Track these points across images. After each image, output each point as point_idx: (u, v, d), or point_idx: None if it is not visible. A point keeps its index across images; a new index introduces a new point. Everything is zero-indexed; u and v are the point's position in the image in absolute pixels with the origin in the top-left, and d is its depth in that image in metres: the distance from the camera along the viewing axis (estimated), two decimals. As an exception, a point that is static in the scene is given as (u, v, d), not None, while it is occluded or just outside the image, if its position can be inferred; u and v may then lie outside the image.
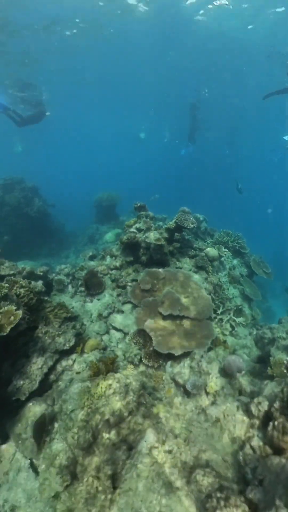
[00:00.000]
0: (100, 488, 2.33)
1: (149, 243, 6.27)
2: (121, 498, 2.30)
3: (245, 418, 2.50)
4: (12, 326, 3.44)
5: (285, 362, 3.29)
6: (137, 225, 6.90)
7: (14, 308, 3.74)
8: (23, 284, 4.72)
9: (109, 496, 2.29)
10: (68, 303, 6.26)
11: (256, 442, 2.14)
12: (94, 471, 2.46)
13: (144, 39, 15.60)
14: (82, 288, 6.63)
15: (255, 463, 1.94)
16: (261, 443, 2.11)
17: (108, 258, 7.39)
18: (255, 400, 2.53)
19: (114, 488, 2.37)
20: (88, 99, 24.40)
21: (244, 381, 3.67)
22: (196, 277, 6.15)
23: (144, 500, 2.30)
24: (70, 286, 6.92)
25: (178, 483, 2.28)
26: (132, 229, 6.88)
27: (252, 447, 2.09)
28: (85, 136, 46.53)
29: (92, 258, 8.00)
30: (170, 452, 2.43)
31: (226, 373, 3.85)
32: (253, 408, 2.45)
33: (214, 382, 3.54)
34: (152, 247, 6.25)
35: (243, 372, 3.72)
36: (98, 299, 6.30)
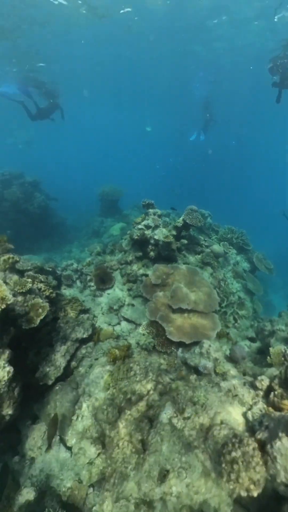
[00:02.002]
0: (133, 450, 2.95)
1: (157, 240, 6.84)
2: (150, 457, 2.94)
3: (251, 390, 3.14)
4: (41, 317, 4.01)
5: (283, 351, 3.92)
6: (145, 222, 7.43)
7: (41, 300, 4.31)
8: (42, 279, 5.27)
9: (141, 456, 2.93)
10: (79, 297, 6.85)
11: (261, 405, 2.78)
12: (127, 437, 3.09)
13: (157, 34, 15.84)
14: (91, 283, 7.21)
15: (261, 418, 2.57)
16: (265, 406, 2.75)
17: (117, 253, 7.95)
18: (259, 378, 3.18)
19: (144, 450, 3.00)
20: (94, 91, 24.66)
21: (247, 366, 4.32)
22: (202, 272, 6.76)
23: (168, 458, 2.94)
24: (78, 282, 7.48)
25: (196, 443, 2.92)
26: (141, 226, 7.41)
27: (258, 408, 2.73)
28: (89, 129, 46.68)
29: (100, 253, 8.53)
30: (188, 418, 3.07)
31: (232, 359, 4.51)
32: (257, 383, 3.09)
33: (222, 365, 4.19)
34: (160, 243, 6.82)
35: (246, 359, 4.38)
36: (108, 293, 6.88)
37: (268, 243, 16.27)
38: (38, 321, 3.85)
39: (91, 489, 3.62)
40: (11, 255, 4.96)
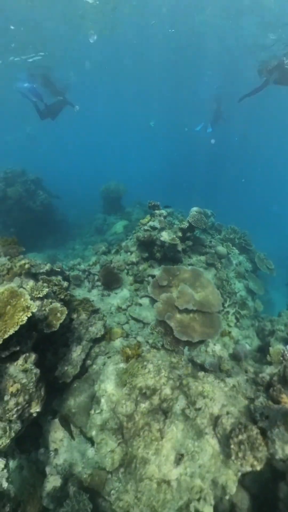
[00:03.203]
0: (153, 438, 3.51)
1: (164, 241, 7.31)
2: (167, 444, 3.49)
3: (253, 386, 3.69)
4: (61, 321, 4.49)
5: (282, 351, 4.46)
6: (152, 223, 7.88)
7: (59, 305, 4.79)
8: (56, 283, 5.74)
9: (159, 443, 3.49)
10: (88, 297, 7.35)
11: (262, 399, 3.33)
12: (147, 427, 3.65)
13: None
14: (99, 283, 7.70)
15: (262, 409, 3.12)
16: (265, 400, 3.30)
17: (122, 253, 8.42)
18: (260, 375, 3.73)
19: (162, 438, 3.56)
20: (97, 87, 25.00)
21: (248, 364, 4.89)
22: (206, 273, 7.28)
23: (182, 444, 3.50)
24: (86, 281, 7.97)
25: (206, 429, 3.48)
26: (147, 227, 7.87)
27: (260, 402, 3.27)
28: (92, 125, 46.98)
29: (105, 253, 8.99)
30: (199, 409, 3.63)
31: (235, 357, 5.07)
32: (259, 380, 3.64)
33: (226, 363, 4.74)
34: (166, 245, 7.30)
35: (248, 357, 4.94)
36: (116, 293, 7.38)
37: (270, 240, 16.89)
38: (58, 325, 4.34)
39: (109, 475, 4.20)
40: (27, 260, 5.41)
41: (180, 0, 13.62)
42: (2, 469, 3.26)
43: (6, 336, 3.19)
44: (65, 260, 11.44)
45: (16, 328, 3.25)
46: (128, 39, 17.41)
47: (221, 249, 7.85)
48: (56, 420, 4.92)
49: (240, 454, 2.80)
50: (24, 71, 15.64)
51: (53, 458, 4.56)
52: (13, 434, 3.59)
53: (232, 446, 2.88)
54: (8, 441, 3.57)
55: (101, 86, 25.73)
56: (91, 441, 4.56)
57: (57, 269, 7.56)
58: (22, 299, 3.63)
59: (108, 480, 4.13)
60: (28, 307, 3.50)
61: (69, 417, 4.79)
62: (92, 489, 4.20)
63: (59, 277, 7.37)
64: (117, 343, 5.84)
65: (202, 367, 4.88)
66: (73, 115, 12.80)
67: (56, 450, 4.65)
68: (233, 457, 2.89)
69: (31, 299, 4.08)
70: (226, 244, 8.47)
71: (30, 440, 5.02)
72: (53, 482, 4.35)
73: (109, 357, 5.56)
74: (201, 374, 4.27)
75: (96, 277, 7.78)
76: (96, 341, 5.75)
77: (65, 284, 6.71)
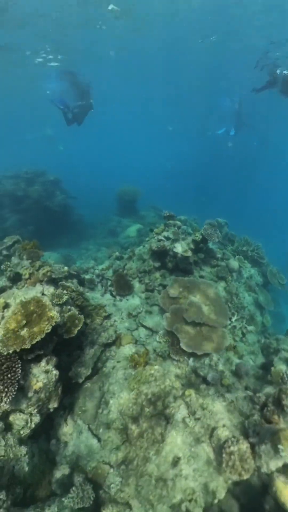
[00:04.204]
0: (155, 440, 4.08)
1: (176, 253, 7.80)
2: (166, 446, 4.05)
3: (250, 404, 4.18)
4: (78, 328, 5.10)
5: (282, 374, 4.90)
6: (165, 233, 8.38)
7: (77, 313, 5.40)
8: (74, 289, 6.36)
9: (160, 445, 4.06)
10: (100, 301, 7.96)
11: (256, 416, 3.81)
12: (150, 430, 4.22)
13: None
14: (112, 288, 8.29)
15: (254, 426, 3.61)
16: (259, 418, 3.78)
17: (136, 260, 8.95)
18: (257, 394, 4.21)
19: (162, 441, 4.13)
20: (118, 90, 25.77)
21: (249, 381, 5.36)
22: (216, 287, 7.73)
23: (180, 448, 4.05)
24: (100, 285, 8.57)
25: (203, 438, 4.02)
26: (161, 237, 8.37)
27: (254, 419, 3.76)
28: (111, 128, 48.14)
29: (118, 258, 9.56)
30: (198, 419, 4.16)
31: (237, 373, 5.55)
32: (255, 399, 4.13)
33: (228, 378, 5.24)
34: (179, 257, 7.78)
35: (250, 375, 5.41)
36: (127, 299, 7.95)
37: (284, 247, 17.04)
38: (76, 331, 4.94)
39: (111, 470, 4.81)
40: (49, 268, 6.03)
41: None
42: (24, 455, 3.90)
43: (33, 342, 3.81)
44: (78, 259, 12.11)
45: (42, 335, 3.86)
46: (151, 43, 17.87)
47: (233, 262, 8.26)
48: (67, 416, 5.57)
49: (230, 463, 3.32)
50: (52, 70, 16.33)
51: (62, 449, 5.20)
52: (33, 426, 4.25)
53: (224, 456, 3.40)
54: (29, 431, 4.24)
55: (122, 89, 26.46)
56: (97, 437, 5.17)
57: (73, 272, 8.20)
58: (47, 309, 4.24)
59: (109, 475, 4.74)
60: (52, 317, 4.10)
61: (79, 414, 5.43)
62: (95, 481, 4.83)
63: (75, 280, 8.05)
64: (126, 349, 6.42)
65: (204, 380, 5.39)
66: (93, 118, 13.33)
67: (66, 443, 5.29)
68: (224, 465, 3.41)
69: (52, 306, 4.71)
70: (238, 257, 8.87)
71: (42, 430, 5.72)
72: (62, 470, 4.99)
73: (118, 362, 6.14)
74: (202, 386, 4.79)
75: (109, 282, 8.37)
76: (107, 345, 6.35)
77: (81, 289, 7.34)
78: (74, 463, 5.07)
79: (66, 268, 8.06)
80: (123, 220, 13.85)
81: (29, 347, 3.80)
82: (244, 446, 3.36)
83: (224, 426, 3.88)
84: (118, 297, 8.02)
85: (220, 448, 3.68)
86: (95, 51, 18.02)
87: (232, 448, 3.40)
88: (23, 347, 3.80)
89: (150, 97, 30.09)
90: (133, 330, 7.18)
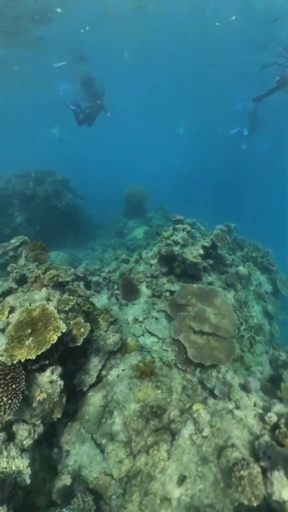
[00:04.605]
0: (161, 458, 3.97)
1: (186, 258, 7.66)
2: (172, 465, 3.94)
3: (260, 423, 4.04)
4: (84, 337, 5.01)
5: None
6: (174, 238, 8.24)
7: (82, 321, 5.31)
8: (81, 294, 6.27)
9: (166, 463, 3.95)
10: (106, 305, 7.88)
11: (267, 438, 3.68)
12: (156, 446, 4.12)
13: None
14: (118, 292, 8.19)
15: (265, 448, 3.48)
16: (270, 439, 3.65)
17: (143, 264, 8.85)
18: (268, 414, 4.07)
19: (168, 458, 4.02)
20: (128, 90, 25.82)
21: (258, 397, 5.21)
22: (225, 294, 7.58)
23: (187, 467, 3.94)
24: (106, 288, 8.49)
25: (211, 458, 3.89)
26: (169, 241, 8.23)
27: (264, 440, 3.63)
28: (122, 130, 48.63)
29: (125, 261, 9.47)
30: (206, 437, 4.05)
31: (245, 388, 5.40)
32: (266, 419, 3.99)
33: (236, 392, 5.09)
34: (188, 262, 7.64)
35: (258, 391, 5.26)
36: (134, 304, 7.85)
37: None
38: (81, 340, 4.84)
39: (113, 481, 4.73)
40: (55, 272, 5.94)
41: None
42: (27, 467, 3.83)
43: (38, 353, 3.72)
44: (84, 259, 12.05)
45: (48, 346, 3.77)
46: (161, 44, 17.78)
47: (243, 269, 8.10)
48: (70, 424, 5.50)
49: (240, 488, 3.20)
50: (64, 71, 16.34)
51: (65, 458, 5.13)
52: (36, 436, 4.17)
53: (233, 479, 3.28)
54: (32, 441, 4.16)
55: (132, 89, 26.50)
56: (100, 447, 5.09)
57: (80, 275, 8.13)
58: (53, 318, 4.15)
59: (111, 486, 4.66)
60: (58, 327, 4.01)
61: (82, 422, 5.35)
62: (96, 491, 4.75)
63: (82, 283, 7.98)
64: (132, 356, 6.32)
65: (211, 392, 5.26)
66: (103, 119, 13.26)
67: (68, 451, 5.21)
68: (233, 489, 3.29)
69: (58, 314, 4.63)
70: (248, 264, 8.69)
71: (44, 437, 5.66)
72: (63, 480, 4.92)
73: (123, 370, 6.05)
74: (210, 401, 4.66)
75: (116, 286, 8.28)
76: (112, 353, 6.26)
77: (88, 293, 7.26)
78: (76, 473, 5.00)
79: (72, 270, 8.00)
80: (130, 222, 13.77)
81: (34, 358, 3.71)
82: (255, 470, 3.24)
83: (233, 446, 3.75)
84: (124, 301, 7.93)
85: (228, 470, 3.56)
86: (108, 52, 18.01)
87: (242, 472, 3.28)
88: (28, 358, 3.71)
89: (161, 97, 30.07)
90: (139, 337, 7.08)
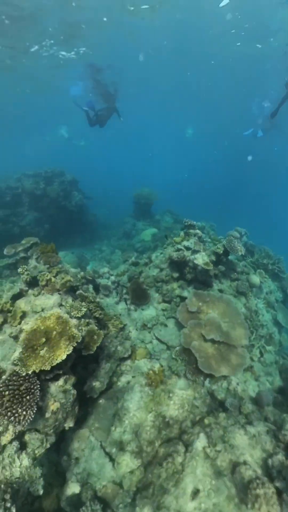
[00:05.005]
0: (175, 470, 3.98)
1: (197, 264, 7.62)
2: (186, 478, 3.94)
3: (273, 440, 4.03)
4: (97, 344, 5.01)
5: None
6: (185, 243, 8.20)
7: (96, 328, 5.31)
8: (92, 300, 6.27)
9: (180, 476, 3.96)
10: (115, 309, 7.87)
11: (281, 456, 3.66)
12: (170, 459, 4.12)
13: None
14: (127, 296, 8.18)
15: (280, 468, 3.47)
16: (284, 458, 3.64)
17: (152, 268, 8.82)
18: (282, 432, 4.07)
19: (182, 471, 4.03)
20: (140, 94, 25.87)
21: (269, 412, 5.19)
22: (236, 302, 7.54)
23: (200, 480, 3.93)
24: (115, 292, 8.48)
25: (225, 472, 3.88)
26: (180, 246, 8.19)
27: (278, 459, 3.62)
28: (132, 131, 49.03)
29: (134, 264, 9.44)
30: (219, 451, 4.04)
31: (257, 402, 5.38)
32: (280, 436, 3.98)
33: (247, 406, 5.08)
34: (199, 269, 7.61)
35: (270, 405, 5.24)
36: (143, 309, 7.83)
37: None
38: (95, 348, 4.84)
39: (121, 490, 4.75)
40: (68, 278, 5.93)
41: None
42: (39, 477, 3.85)
43: (54, 364, 3.73)
44: (91, 260, 12.06)
45: (63, 357, 3.78)
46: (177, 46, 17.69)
47: (254, 277, 8.05)
48: (80, 430, 5.52)
49: (256, 505, 3.19)
50: (77, 73, 16.33)
51: (73, 465, 5.16)
52: (48, 445, 4.19)
53: (249, 496, 3.27)
54: (43, 450, 4.18)
55: (144, 93, 26.52)
56: (109, 456, 5.11)
57: (89, 278, 8.12)
58: (68, 327, 4.15)
59: (119, 495, 4.68)
60: (73, 337, 4.01)
61: (92, 430, 5.37)
62: (103, 500, 4.78)
63: (91, 286, 7.98)
64: (141, 363, 6.32)
65: (221, 405, 5.25)
66: (114, 121, 13.22)
67: (77, 459, 5.23)
68: (249, 506, 3.29)
69: (73, 322, 4.64)
70: (259, 271, 8.64)
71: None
72: (72, 488, 4.95)
73: (133, 377, 6.05)
74: (222, 415, 4.65)
75: (125, 290, 8.27)
76: (122, 359, 6.27)
77: (98, 298, 7.26)
78: (85, 480, 5.03)
79: (82, 273, 8.00)
80: (138, 223, 13.77)
81: (49, 369, 3.72)
82: (271, 490, 3.23)
83: (245, 463, 3.75)
84: (133, 306, 7.92)
85: (243, 487, 3.55)
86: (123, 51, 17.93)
87: (258, 490, 3.27)
88: (42, 368, 3.72)
89: (173, 100, 30.07)
90: (148, 343, 7.07)
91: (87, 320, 5.45)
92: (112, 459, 4.99)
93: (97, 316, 5.99)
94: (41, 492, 3.88)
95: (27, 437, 4.05)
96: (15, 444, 3.90)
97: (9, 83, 21.07)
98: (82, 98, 12.80)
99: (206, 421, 4.56)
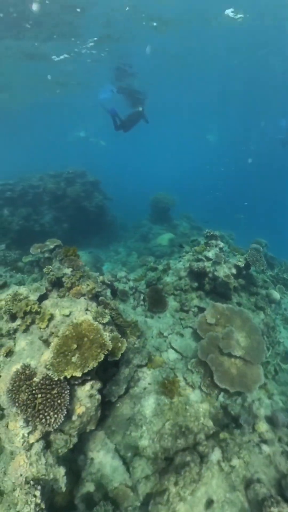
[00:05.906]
0: (192, 480, 4.27)
1: (217, 276, 7.85)
2: (201, 487, 4.24)
3: (287, 461, 4.29)
4: (122, 351, 5.33)
5: None
6: (206, 253, 8.43)
7: (119, 335, 5.62)
8: (113, 307, 6.59)
9: (197, 485, 4.25)
10: (132, 315, 8.17)
11: (297, 478, 3.93)
12: (187, 468, 4.41)
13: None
14: (144, 302, 8.48)
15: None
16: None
17: (171, 275, 9.05)
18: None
19: (199, 480, 4.32)
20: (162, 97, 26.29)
21: (283, 431, 5.42)
22: (254, 316, 7.75)
23: (215, 492, 4.21)
24: (132, 298, 8.78)
25: (239, 487, 4.16)
26: (201, 256, 8.43)
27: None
28: (154, 135, 49.92)
29: (153, 269, 9.71)
30: (234, 467, 4.31)
31: (271, 421, 5.59)
32: (295, 456, 4.24)
33: (261, 425, 5.30)
34: (219, 280, 7.84)
35: (286, 426, 5.47)
36: (160, 317, 8.11)
37: None
38: (119, 355, 5.15)
39: (131, 493, 5.07)
40: (93, 285, 6.25)
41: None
42: (63, 476, 4.19)
43: (85, 370, 4.04)
44: (106, 261, 12.39)
45: (95, 364, 4.09)
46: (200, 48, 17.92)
47: (274, 293, 8.22)
48: (96, 432, 5.87)
49: (270, 523, 3.46)
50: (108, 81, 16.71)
51: (88, 465, 5.50)
52: (71, 446, 4.53)
53: (264, 513, 3.54)
54: (66, 450, 4.53)
55: (166, 96, 26.85)
56: (123, 459, 5.43)
57: (107, 282, 8.44)
58: (99, 335, 4.46)
59: (129, 497, 5.00)
60: (105, 345, 4.32)
61: (108, 433, 5.70)
62: (114, 501, 5.11)
63: (108, 290, 8.29)
64: (157, 372, 6.61)
65: (235, 420, 5.49)
66: (140, 125, 13.50)
67: (92, 459, 5.58)
68: (263, 523, 3.56)
69: (104, 331, 4.97)
70: (279, 286, 8.80)
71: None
72: (87, 487, 5.28)
73: (149, 384, 6.36)
74: (236, 431, 4.90)
75: (142, 296, 8.56)
76: (138, 366, 6.58)
77: (118, 304, 7.57)
78: (98, 480, 5.37)
79: (101, 277, 8.33)
80: (154, 227, 14.04)
81: (80, 376, 4.04)
82: (285, 510, 3.48)
83: (259, 481, 4.00)
84: (149, 313, 8.20)
85: (257, 503, 3.80)
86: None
87: (273, 509, 3.53)
88: (73, 375, 4.04)
89: (197, 105, 30.42)
90: (163, 352, 7.34)
91: (110, 327, 5.77)
92: (125, 463, 5.32)
93: (119, 323, 6.30)
94: (64, 489, 4.21)
95: (52, 437, 4.39)
96: (42, 442, 4.24)
97: (42, 84, 21.49)
98: (110, 102, 13.11)
99: (221, 435, 4.81)
